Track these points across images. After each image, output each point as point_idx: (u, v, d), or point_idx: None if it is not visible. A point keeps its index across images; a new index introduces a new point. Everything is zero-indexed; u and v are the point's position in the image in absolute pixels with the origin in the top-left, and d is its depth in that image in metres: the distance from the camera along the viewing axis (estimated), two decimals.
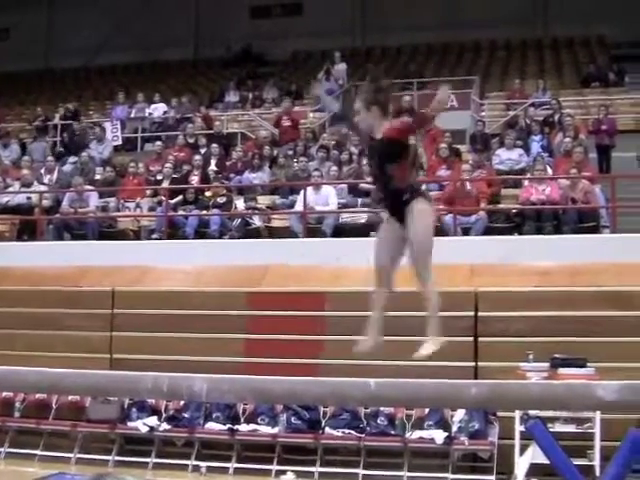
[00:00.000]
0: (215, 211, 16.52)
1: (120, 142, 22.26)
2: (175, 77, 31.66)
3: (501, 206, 16.05)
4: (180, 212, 16.72)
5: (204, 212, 16.69)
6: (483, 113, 23.20)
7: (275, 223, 16.92)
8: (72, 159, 20.15)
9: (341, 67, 24.89)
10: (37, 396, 14.13)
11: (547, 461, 10.82)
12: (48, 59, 34.04)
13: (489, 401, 6.96)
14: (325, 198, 16.17)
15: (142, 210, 17.30)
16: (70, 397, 13.92)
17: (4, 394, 14.28)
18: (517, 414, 11.68)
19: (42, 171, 19.34)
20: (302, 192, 15.97)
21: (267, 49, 32.29)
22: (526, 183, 16.14)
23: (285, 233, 16.03)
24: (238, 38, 32.04)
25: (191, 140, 20.56)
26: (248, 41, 32.02)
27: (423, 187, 6.62)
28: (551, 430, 11.68)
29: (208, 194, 17.03)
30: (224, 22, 32.62)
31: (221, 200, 16.62)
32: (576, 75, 26.68)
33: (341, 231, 15.71)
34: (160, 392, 7.01)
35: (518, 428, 11.66)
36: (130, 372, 8.63)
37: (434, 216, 6.53)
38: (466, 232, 15.01)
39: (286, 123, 20.85)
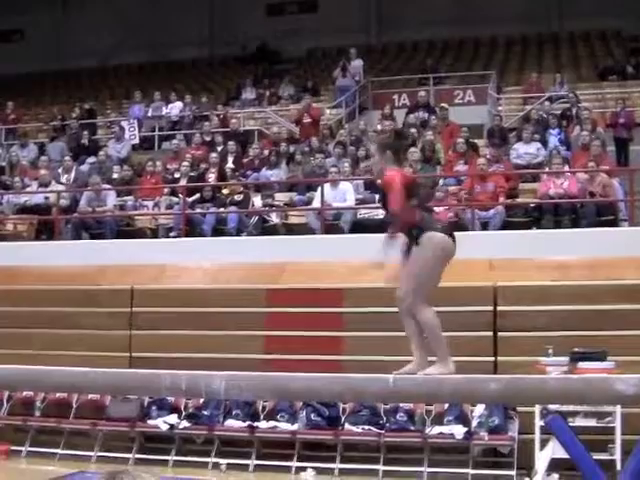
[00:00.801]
0: (232, 209, 16.51)
1: (138, 141, 22.28)
2: (191, 76, 31.74)
3: (519, 200, 15.98)
4: (197, 210, 16.68)
5: (221, 210, 16.67)
6: (500, 108, 23.14)
7: (293, 220, 16.90)
8: (91, 159, 20.16)
9: (357, 63, 24.94)
10: (57, 395, 14.18)
11: (567, 455, 10.84)
12: (63, 60, 34.04)
13: (508, 396, 6.97)
14: (343, 194, 16.14)
15: (160, 208, 17.30)
16: (90, 396, 13.95)
17: (24, 393, 14.34)
18: (537, 409, 11.64)
19: (60, 170, 19.36)
20: (319, 189, 15.95)
21: (282, 46, 32.29)
22: (544, 177, 16.05)
23: (303, 230, 16.00)
24: (253, 36, 32.09)
25: (208, 138, 20.56)
26: (263, 38, 32.01)
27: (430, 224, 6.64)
28: (571, 424, 11.68)
29: (225, 192, 17.02)
30: (239, 20, 32.72)
31: (238, 198, 16.62)
32: (593, 69, 26.64)
33: (359, 227, 15.67)
34: (179, 390, 7.05)
35: (538, 423, 11.61)
36: (149, 370, 8.66)
37: (435, 255, 7.01)
38: (485, 227, 14.96)
39: (307, 120, 20.84)
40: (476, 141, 19.08)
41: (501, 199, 15.51)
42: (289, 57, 32.16)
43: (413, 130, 18.83)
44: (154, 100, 24.91)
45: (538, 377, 7.14)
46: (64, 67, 33.63)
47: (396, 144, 6.79)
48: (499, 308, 13.06)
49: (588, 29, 29.77)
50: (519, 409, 12.48)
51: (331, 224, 15.78)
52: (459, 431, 12.45)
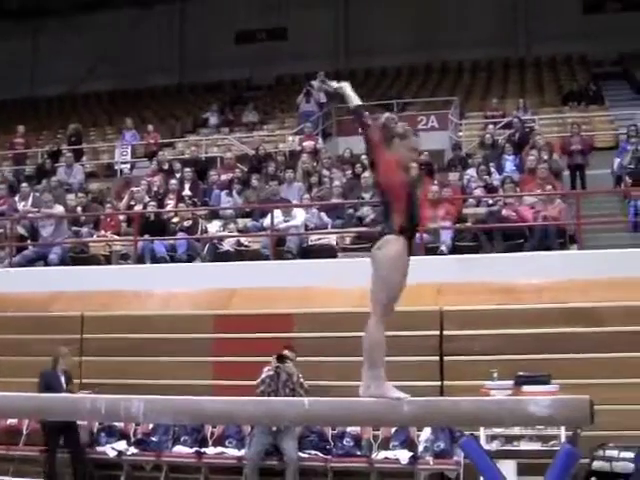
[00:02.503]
0: (181, 235, 16.55)
1: (129, 167, 22.40)
2: (160, 103, 31.82)
3: (468, 224, 16.07)
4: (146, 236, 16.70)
5: (171, 237, 16.76)
6: (461, 133, 23.28)
7: (252, 246, 16.91)
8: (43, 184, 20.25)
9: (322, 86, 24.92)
10: (8, 422, 14.13)
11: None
12: (32, 87, 34.16)
13: (421, 419, 7.02)
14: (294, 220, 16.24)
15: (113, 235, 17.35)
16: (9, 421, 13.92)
17: None
18: (482, 432, 11.66)
19: (16, 198, 19.40)
20: (270, 214, 16.04)
21: (252, 73, 32.43)
22: (490, 201, 16.23)
23: (255, 256, 16.02)
24: (223, 63, 32.19)
25: (165, 166, 20.66)
26: (233, 66, 32.15)
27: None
28: (516, 448, 11.73)
29: (175, 220, 17.08)
30: (209, 47, 32.84)
31: (187, 224, 16.68)
32: (557, 93, 26.83)
33: (310, 253, 15.72)
34: (98, 413, 7.06)
35: (484, 446, 11.64)
36: (70, 394, 8.63)
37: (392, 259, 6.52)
38: (432, 251, 15.02)
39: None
40: (434, 166, 19.19)
41: (448, 224, 15.58)
42: (258, 84, 32.33)
43: (364, 157, 18.97)
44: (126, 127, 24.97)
45: (451, 399, 7.17)
46: (33, 95, 33.74)
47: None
48: (445, 332, 13.10)
49: (554, 54, 30.06)
50: (466, 433, 12.47)
51: (283, 250, 15.81)
52: (404, 456, 12.43)
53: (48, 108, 32.77)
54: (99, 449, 13.66)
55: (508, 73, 29.67)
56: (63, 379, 13.47)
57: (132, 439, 13.77)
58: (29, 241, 17.78)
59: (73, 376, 13.70)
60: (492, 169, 18.05)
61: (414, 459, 12.39)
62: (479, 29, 30.44)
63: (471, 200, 17.12)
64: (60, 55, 33.57)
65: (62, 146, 24.22)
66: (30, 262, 16.91)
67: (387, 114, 6.71)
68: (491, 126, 21.13)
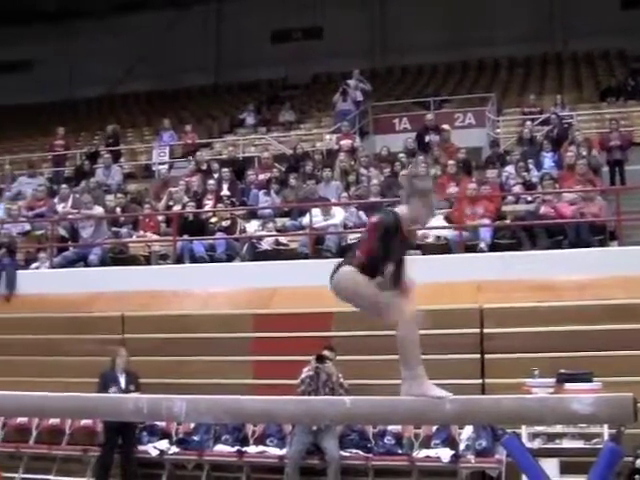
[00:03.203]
0: (220, 235, 16.61)
1: (167, 168, 22.56)
2: (197, 103, 31.93)
3: (507, 222, 15.99)
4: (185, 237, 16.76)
5: (210, 237, 16.84)
6: (498, 130, 23.17)
7: (290, 245, 16.94)
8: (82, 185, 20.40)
9: (356, 83, 24.89)
10: (51, 421, 14.27)
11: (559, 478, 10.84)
12: (71, 90, 34.39)
13: (462, 417, 6.99)
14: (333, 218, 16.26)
15: (152, 235, 17.44)
16: (83, 422, 14.04)
17: (19, 420, 14.44)
18: (524, 430, 11.61)
19: (56, 199, 19.55)
20: (308, 213, 16.06)
21: (288, 73, 32.45)
22: (529, 198, 16.17)
23: (295, 255, 16.03)
24: (259, 62, 32.23)
25: (203, 167, 20.74)
26: (269, 65, 32.20)
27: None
28: (559, 446, 11.67)
29: (214, 220, 17.14)
30: (245, 47, 32.87)
31: (225, 224, 16.73)
32: (595, 89, 26.64)
33: (349, 251, 15.68)
34: (141, 413, 7.09)
35: (526, 444, 11.58)
36: (112, 395, 8.68)
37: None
38: (472, 249, 14.97)
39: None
40: (473, 163, 19.14)
41: (488, 221, 15.52)
42: (294, 83, 32.34)
43: (402, 155, 19.09)
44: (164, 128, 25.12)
45: (493, 397, 7.13)
46: (72, 97, 33.97)
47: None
48: (485, 330, 13.06)
49: (592, 49, 29.84)
50: (508, 431, 12.40)
51: (321, 249, 15.81)
52: (446, 454, 12.40)
53: (86, 110, 32.96)
54: (141, 448, 13.73)
55: (545, 69, 29.48)
56: (123, 379, 13.59)
57: (174, 438, 13.84)
58: (69, 242, 17.90)
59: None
60: (530, 166, 17.95)
61: (455, 457, 12.34)
62: (516, 25, 30.30)
63: (510, 197, 17.07)
64: (98, 56, 33.75)
65: (100, 147, 24.37)
66: (70, 263, 17.03)
67: (411, 169, 6.65)
68: (529, 122, 20.97)
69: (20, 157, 26.15)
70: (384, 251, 6.18)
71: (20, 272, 16.71)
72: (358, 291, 6.37)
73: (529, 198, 16.48)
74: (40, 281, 16.31)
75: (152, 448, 13.66)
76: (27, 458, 14.39)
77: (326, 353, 12.85)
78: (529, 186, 17.26)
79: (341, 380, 12.65)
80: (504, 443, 6.89)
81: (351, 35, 32.26)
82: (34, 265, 17.38)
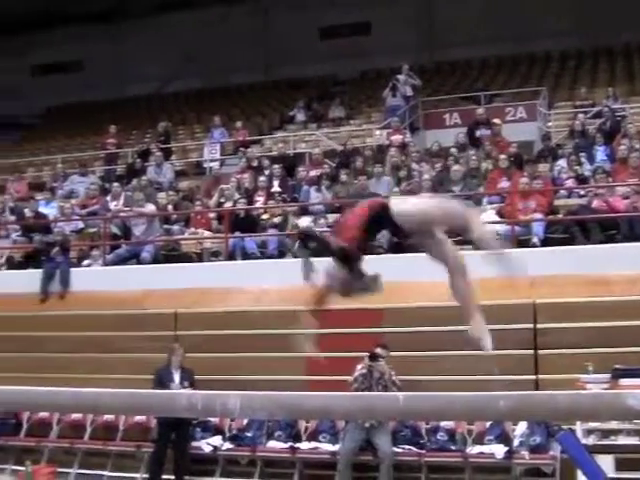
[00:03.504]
0: (271, 231, 16.64)
1: (218, 165, 22.64)
2: (246, 100, 32.01)
3: (559, 216, 15.85)
4: (236, 233, 16.81)
5: (261, 233, 16.88)
6: (550, 124, 22.98)
7: None
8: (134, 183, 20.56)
9: (405, 78, 24.81)
10: (105, 418, 14.42)
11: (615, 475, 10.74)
12: (121, 88, 34.65)
13: (518, 413, 6.93)
14: None
15: (204, 232, 17.52)
16: (136, 418, 14.17)
17: (73, 416, 14.60)
18: (579, 426, 11.52)
19: (108, 198, 19.71)
20: None
21: (337, 69, 32.40)
22: (582, 192, 16.03)
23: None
24: (308, 59, 32.24)
25: (254, 163, 20.80)
26: (317, 61, 32.18)
27: None
28: (614, 443, 11.56)
29: (265, 216, 17.18)
30: (294, 44, 32.89)
31: (277, 220, 16.77)
32: None
33: (401, 247, 15.66)
34: (195, 409, 7.11)
35: (581, 441, 11.49)
36: (166, 391, 8.70)
37: None
38: (524, 243, 14.86)
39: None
40: (525, 157, 18.99)
41: (540, 215, 15.39)
42: (343, 79, 32.31)
43: (454, 150, 19.01)
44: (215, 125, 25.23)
45: (547, 393, 7.04)
46: (123, 96, 34.20)
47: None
48: (539, 325, 12.97)
49: None
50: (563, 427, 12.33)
51: (374, 245, 15.74)
52: (500, 450, 12.35)
53: (137, 108, 33.15)
54: (194, 444, 13.83)
55: (597, 61, 29.15)
56: (178, 376, 13.68)
57: (227, 434, 13.93)
58: (122, 240, 18.03)
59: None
60: (583, 159, 17.78)
61: (509, 454, 12.29)
62: (566, 17, 29.97)
63: (562, 191, 16.92)
64: (148, 55, 33.95)
65: (151, 145, 24.52)
66: (123, 260, 17.18)
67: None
68: (581, 115, 20.77)
69: (72, 156, 26.41)
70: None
71: (73, 270, 16.90)
72: None
73: (582, 192, 16.33)
74: (93, 279, 16.48)
75: (205, 444, 13.75)
76: (82, 454, 14.58)
77: (379, 351, 12.83)
78: (582, 180, 17.09)
79: (394, 378, 12.63)
80: (560, 439, 6.86)
81: (399, 30, 32.11)
82: (87, 263, 17.54)
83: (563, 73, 28.76)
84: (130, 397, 7.06)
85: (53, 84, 34.84)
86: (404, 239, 6.54)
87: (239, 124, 25.24)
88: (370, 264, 14.07)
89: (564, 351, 12.63)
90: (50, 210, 20.29)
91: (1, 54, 36.11)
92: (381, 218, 6.22)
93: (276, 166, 19.70)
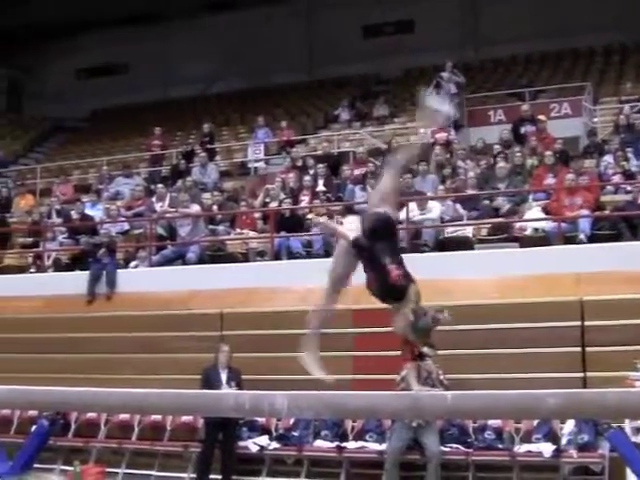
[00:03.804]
0: (316, 230, 16.64)
1: (262, 165, 22.70)
2: (290, 100, 32.04)
3: (606, 212, 15.70)
4: (282, 233, 16.83)
5: (307, 233, 16.89)
6: (595, 119, 22.79)
7: None
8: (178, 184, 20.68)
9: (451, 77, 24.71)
10: (152, 418, 14.50)
11: None
12: (166, 90, 34.83)
13: (567, 411, 6.89)
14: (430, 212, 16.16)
15: (249, 232, 17.56)
16: (183, 418, 14.23)
17: (121, 417, 14.71)
18: (628, 424, 11.42)
19: (153, 199, 19.81)
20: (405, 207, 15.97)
21: (381, 67, 32.33)
22: (629, 188, 15.88)
23: None
24: (351, 57, 32.20)
25: (299, 163, 20.83)
26: (361, 60, 32.12)
27: None
28: None
29: (310, 215, 17.18)
30: (337, 42, 32.87)
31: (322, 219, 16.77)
32: None
33: (446, 245, 15.62)
34: (242, 409, 7.13)
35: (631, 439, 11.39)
36: (213, 391, 8.72)
37: None
38: (571, 240, 14.74)
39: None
40: (570, 153, 18.84)
41: (587, 212, 15.25)
42: (386, 78, 32.24)
43: (497, 147, 18.93)
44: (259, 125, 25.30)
45: (597, 391, 7.01)
46: (167, 97, 34.39)
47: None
48: (586, 323, 12.86)
49: None
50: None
51: (418, 243, 15.73)
52: (547, 449, 12.26)
53: (181, 109, 33.28)
54: (241, 444, 13.86)
55: None
56: (225, 375, 13.72)
57: (274, 434, 13.95)
58: (168, 241, 18.11)
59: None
60: (630, 155, 17.61)
61: (557, 452, 12.20)
62: (610, 12, 29.65)
63: (609, 187, 16.77)
64: (192, 57, 34.10)
65: (196, 146, 24.63)
66: (169, 261, 17.26)
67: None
68: (627, 106, 20.56)
69: (117, 158, 26.57)
70: None
71: (120, 271, 17.00)
72: None
73: (628, 188, 16.17)
74: (139, 280, 16.58)
75: (252, 444, 13.79)
76: (129, 454, 14.70)
77: (426, 350, 12.75)
78: (629, 175, 16.91)
79: (441, 377, 12.58)
80: (609, 437, 6.78)
81: (443, 27, 31.98)
82: (133, 264, 17.63)
83: (608, 68, 28.48)
84: (178, 397, 7.10)
85: (98, 87, 35.13)
86: None
87: (284, 123, 25.25)
88: (416, 262, 14.05)
89: (612, 348, 12.50)
90: (96, 212, 20.44)
91: (46, 58, 36.51)
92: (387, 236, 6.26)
93: (321, 165, 19.73)
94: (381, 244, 6.19)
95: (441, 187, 17.62)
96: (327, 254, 16.27)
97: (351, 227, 6.45)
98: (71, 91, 35.65)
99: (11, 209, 23.26)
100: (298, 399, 6.90)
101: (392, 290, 6.23)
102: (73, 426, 15.21)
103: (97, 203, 21.20)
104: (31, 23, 33.87)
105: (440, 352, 12.91)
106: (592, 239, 14.72)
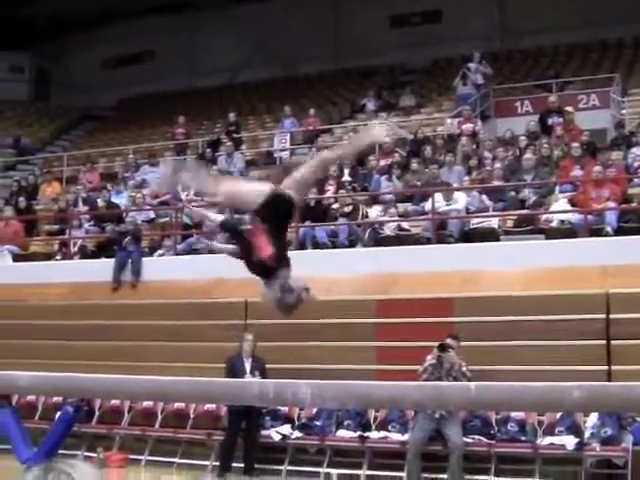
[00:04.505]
0: (342, 220, 16.61)
1: (288, 154, 22.72)
2: (317, 90, 32.00)
3: (633, 205, 15.60)
4: (307, 223, 16.82)
5: (332, 222, 16.88)
6: (624, 111, 22.63)
7: (412, 230, 16.86)
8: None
9: (476, 66, 24.58)
10: (176, 406, 14.55)
11: None
12: (192, 79, 34.90)
13: (592, 404, 6.84)
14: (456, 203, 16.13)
15: None
16: (207, 406, 14.26)
17: (144, 404, 14.76)
18: None
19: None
20: (430, 198, 15.96)
21: (408, 57, 32.24)
22: None
23: (417, 240, 15.93)
24: (378, 47, 32.12)
25: None
26: (388, 50, 32.03)
27: None
28: None
29: (336, 205, 17.14)
30: (364, 32, 32.78)
31: (347, 209, 16.73)
32: None
33: (472, 236, 15.58)
34: (266, 398, 7.13)
35: None
36: (237, 379, 8.73)
37: None
38: (597, 232, 14.67)
39: None
40: (598, 145, 18.72)
41: (614, 204, 15.16)
42: (414, 68, 32.14)
43: (522, 138, 18.87)
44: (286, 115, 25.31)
45: (623, 384, 6.95)
46: (193, 86, 34.44)
47: None
48: (612, 316, 12.79)
49: None
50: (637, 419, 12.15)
51: (444, 234, 15.69)
52: (570, 442, 12.21)
53: (208, 98, 33.30)
54: (264, 433, 13.89)
55: None
56: (249, 364, 13.74)
57: (296, 423, 13.96)
58: (193, 229, 18.12)
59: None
60: None
61: (580, 445, 12.14)
62: (637, 3, 29.42)
63: (636, 180, 16.68)
64: (218, 46, 34.11)
65: (222, 135, 24.63)
66: (194, 250, 17.26)
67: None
68: None
69: (143, 146, 26.63)
70: None
71: (145, 259, 17.06)
72: None
73: None
74: (164, 268, 16.63)
75: (275, 433, 13.82)
76: (153, 441, 14.76)
77: (449, 341, 12.75)
78: None
79: (464, 369, 12.55)
80: (633, 431, 6.73)
81: (470, 18, 31.83)
82: (159, 252, 17.69)
83: (636, 60, 28.25)
84: (202, 385, 7.10)
85: (125, 76, 35.21)
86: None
87: (312, 111, 25.21)
88: (441, 253, 14.03)
89: (637, 342, 12.44)
90: (120, 200, 20.50)
91: (74, 48, 36.63)
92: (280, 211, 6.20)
93: None
94: (272, 221, 6.14)
95: (466, 178, 17.57)
96: (351, 244, 16.31)
97: (253, 190, 6.38)
98: (98, 80, 35.71)
99: (37, 196, 23.37)
100: (322, 389, 6.88)
101: (260, 266, 6.23)
102: (97, 413, 15.30)
103: (122, 191, 21.25)
104: (59, 12, 34.04)
105: (464, 343, 12.93)
106: (618, 231, 14.63)
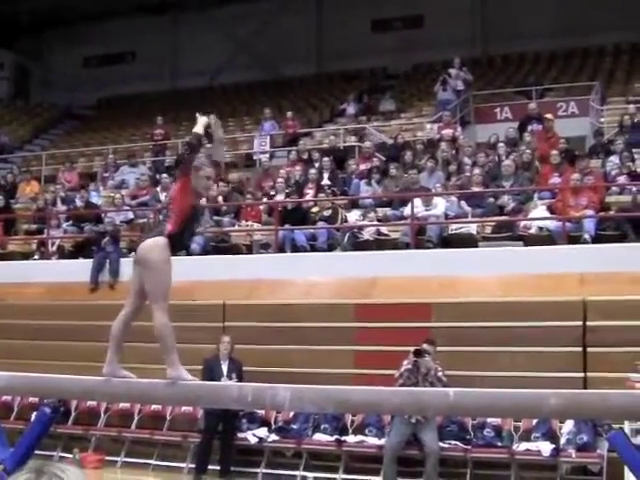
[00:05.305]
0: (321, 224, 16.65)
1: (268, 157, 22.74)
2: (297, 93, 32.01)
3: (611, 213, 15.71)
4: (286, 226, 16.84)
5: (311, 226, 16.91)
6: (602, 119, 22.74)
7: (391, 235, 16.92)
8: None
9: (456, 72, 24.66)
10: (152, 407, 14.51)
11: None
12: (173, 80, 34.88)
13: (568, 412, 6.92)
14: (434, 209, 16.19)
15: (254, 224, 17.57)
16: (183, 408, 14.24)
17: (121, 405, 14.72)
18: (627, 426, 11.41)
19: (158, 189, 19.82)
20: (410, 203, 16.00)
21: (389, 62, 32.32)
22: (634, 189, 15.86)
23: (396, 245, 15.99)
24: (359, 52, 32.17)
25: (304, 156, 20.84)
26: (369, 55, 32.09)
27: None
28: None
29: (315, 209, 17.19)
30: (346, 37, 32.82)
31: (327, 213, 16.76)
32: None
33: (450, 242, 15.64)
34: (245, 401, 7.17)
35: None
36: (216, 382, 8.72)
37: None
38: (575, 240, 14.75)
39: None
40: (577, 153, 18.81)
41: (591, 212, 15.26)
42: (395, 73, 32.19)
43: (501, 144, 18.94)
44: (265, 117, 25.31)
45: (599, 392, 7.05)
46: (174, 87, 34.42)
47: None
48: (588, 323, 12.87)
49: None
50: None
51: (423, 240, 15.75)
52: (546, 448, 12.28)
53: (188, 100, 33.22)
54: (240, 435, 13.89)
55: None
56: (226, 367, 13.74)
57: (273, 426, 13.97)
58: None
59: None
60: (636, 155, 17.58)
61: (556, 451, 12.22)
62: (620, 12, 29.53)
63: (614, 188, 16.78)
64: (200, 48, 34.04)
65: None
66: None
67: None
68: (631, 106, 20.53)
69: (123, 147, 26.57)
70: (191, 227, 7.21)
71: (124, 260, 16.98)
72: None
73: (634, 189, 16.16)
74: None
75: (251, 435, 13.81)
76: (129, 442, 14.73)
77: (425, 346, 12.79)
78: (634, 176, 16.88)
79: (439, 374, 12.58)
80: (610, 439, 6.76)
81: (452, 24, 31.90)
82: None
83: (617, 67, 28.41)
84: (181, 387, 7.13)
85: (106, 76, 35.07)
86: None
87: (289, 114, 25.22)
88: (419, 258, 14.06)
89: (614, 349, 12.51)
90: (97, 200, 20.47)
91: (54, 46, 36.52)
92: None
93: (326, 159, 19.74)
94: None
95: (442, 184, 17.63)
96: (330, 248, 16.34)
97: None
98: (78, 79, 35.56)
99: (16, 195, 23.29)
100: (301, 392, 6.91)
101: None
102: (73, 413, 15.26)
103: (98, 191, 21.23)
104: (40, 10, 33.93)
105: (441, 348, 12.98)
106: (596, 239, 14.74)
